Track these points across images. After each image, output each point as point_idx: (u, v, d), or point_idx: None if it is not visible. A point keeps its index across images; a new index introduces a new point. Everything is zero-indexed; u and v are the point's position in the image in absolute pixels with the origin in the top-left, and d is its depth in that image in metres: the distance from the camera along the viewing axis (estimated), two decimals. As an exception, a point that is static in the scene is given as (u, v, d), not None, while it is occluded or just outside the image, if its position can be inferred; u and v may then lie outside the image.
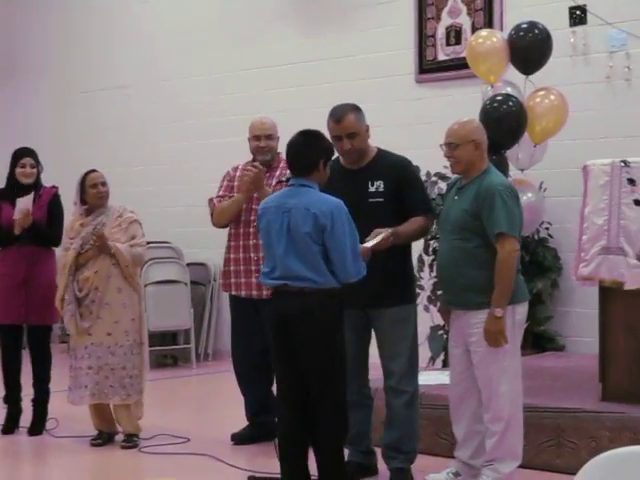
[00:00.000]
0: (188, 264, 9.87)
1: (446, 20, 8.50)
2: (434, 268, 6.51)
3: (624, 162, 5.48)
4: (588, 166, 5.62)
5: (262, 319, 5.81)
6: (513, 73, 7.02)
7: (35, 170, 6.55)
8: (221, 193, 6.24)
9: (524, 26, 6.92)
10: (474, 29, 8.18)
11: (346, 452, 4.91)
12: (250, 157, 6.28)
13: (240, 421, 6.29)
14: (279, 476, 4.80)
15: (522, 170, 7.06)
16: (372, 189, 5.05)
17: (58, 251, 6.43)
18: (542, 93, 6.96)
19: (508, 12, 8.08)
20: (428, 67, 8.62)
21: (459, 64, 8.13)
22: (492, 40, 6.99)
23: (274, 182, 6.08)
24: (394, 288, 5.08)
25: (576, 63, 7.80)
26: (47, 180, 6.68)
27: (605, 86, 7.68)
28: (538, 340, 7.63)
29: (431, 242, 7.25)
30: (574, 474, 2.54)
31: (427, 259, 7.40)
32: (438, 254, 5.26)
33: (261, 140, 6.19)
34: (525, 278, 5.03)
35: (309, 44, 9.36)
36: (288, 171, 5.15)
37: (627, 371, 5.53)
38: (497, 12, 8.19)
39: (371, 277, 4.68)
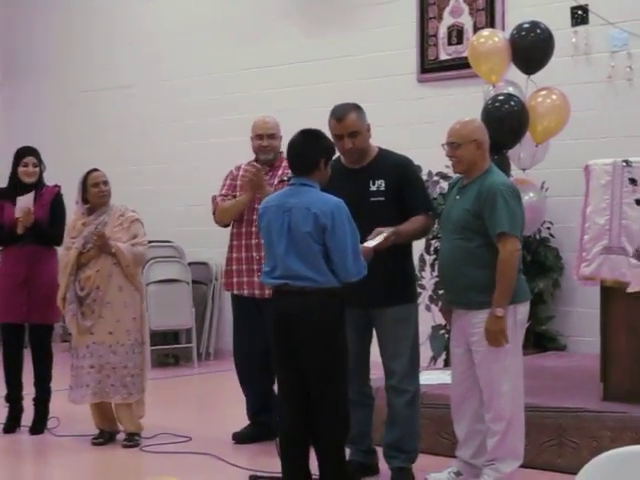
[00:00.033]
0: (190, 263, 9.88)
1: (448, 20, 8.50)
2: (436, 267, 6.51)
3: (626, 162, 5.48)
4: (590, 166, 5.62)
5: (264, 318, 5.80)
6: (515, 73, 7.02)
7: (37, 169, 6.55)
8: (224, 192, 6.24)
9: (526, 26, 6.92)
10: (476, 29, 8.18)
11: (347, 451, 4.91)
12: (253, 156, 6.29)
13: (241, 420, 6.29)
14: (280, 475, 4.80)
15: (524, 170, 7.06)
16: (373, 188, 5.06)
17: (60, 250, 6.43)
18: (544, 93, 6.96)
19: (510, 12, 8.08)
20: (430, 67, 8.62)
21: (461, 64, 8.13)
22: (494, 40, 6.99)
23: (276, 181, 6.09)
24: (395, 287, 5.09)
25: (578, 63, 7.79)
26: (48, 179, 6.68)
27: (607, 86, 7.68)
28: (539, 340, 7.62)
29: (433, 242, 7.25)
30: (575, 474, 2.54)
31: (429, 258, 7.40)
32: (440, 253, 5.26)
33: (264, 139, 6.20)
34: (527, 278, 5.03)
35: (311, 44, 9.35)
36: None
37: (628, 371, 5.53)
38: (499, 12, 8.18)
39: (372, 276, 4.68)
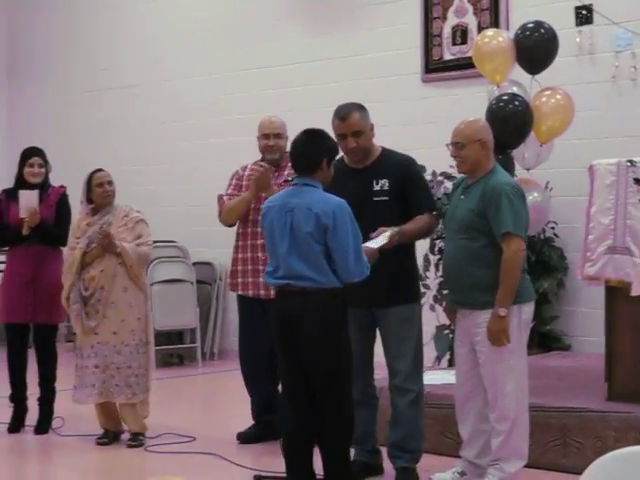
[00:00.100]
0: (194, 263, 9.88)
1: (452, 20, 8.50)
2: (440, 267, 6.51)
3: (630, 162, 5.48)
4: (594, 166, 5.62)
5: (270, 319, 5.80)
6: (519, 73, 7.01)
7: (43, 169, 6.56)
8: (230, 191, 6.24)
9: (530, 26, 6.91)
10: (480, 29, 8.17)
11: (352, 451, 4.91)
12: (254, 156, 6.29)
13: (246, 420, 6.30)
14: (285, 475, 4.80)
15: (528, 170, 7.05)
16: (377, 188, 5.06)
17: (65, 250, 6.44)
18: (548, 93, 6.95)
19: (514, 12, 8.08)
20: (434, 66, 8.62)
21: (465, 64, 8.13)
22: (498, 40, 6.98)
23: (282, 181, 6.08)
24: (399, 287, 5.08)
25: (582, 63, 7.79)
26: (51, 179, 6.68)
27: (611, 86, 7.67)
28: (544, 340, 7.62)
29: (437, 241, 7.24)
30: (580, 474, 2.54)
31: (433, 258, 7.40)
32: (444, 253, 5.26)
33: (270, 139, 6.19)
34: (531, 278, 5.03)
35: (316, 43, 9.35)
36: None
37: (633, 371, 5.53)
38: (503, 12, 8.18)
39: (376, 276, 4.67)
